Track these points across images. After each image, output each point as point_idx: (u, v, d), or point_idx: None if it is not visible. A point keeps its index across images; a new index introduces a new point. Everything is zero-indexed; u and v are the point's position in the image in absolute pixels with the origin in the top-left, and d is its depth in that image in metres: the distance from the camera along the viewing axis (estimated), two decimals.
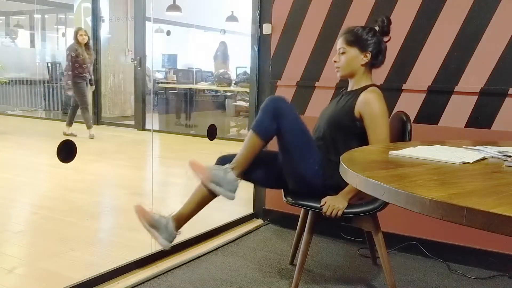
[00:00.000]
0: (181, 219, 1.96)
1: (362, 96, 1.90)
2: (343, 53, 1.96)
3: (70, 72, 5.94)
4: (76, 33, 6.01)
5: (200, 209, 1.99)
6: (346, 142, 1.92)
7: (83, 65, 6.01)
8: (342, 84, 2.37)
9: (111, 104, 7.96)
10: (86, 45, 6.06)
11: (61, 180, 3.98)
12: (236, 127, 7.15)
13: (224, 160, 2.01)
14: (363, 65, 1.96)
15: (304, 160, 1.91)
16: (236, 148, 2.08)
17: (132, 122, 7.51)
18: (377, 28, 1.97)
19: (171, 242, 1.94)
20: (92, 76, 6.25)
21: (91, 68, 6.19)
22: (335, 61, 2.00)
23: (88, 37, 6.12)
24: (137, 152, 5.71)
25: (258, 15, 2.84)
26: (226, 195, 1.88)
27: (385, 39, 1.99)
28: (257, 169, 2.00)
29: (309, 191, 1.94)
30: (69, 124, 6.14)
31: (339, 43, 1.98)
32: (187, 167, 1.92)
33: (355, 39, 1.94)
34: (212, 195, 1.96)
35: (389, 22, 1.97)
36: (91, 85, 6.25)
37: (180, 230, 1.97)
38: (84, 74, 6.06)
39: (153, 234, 1.95)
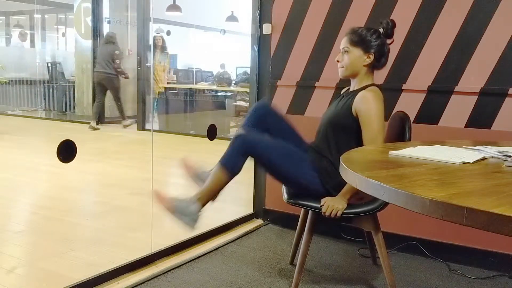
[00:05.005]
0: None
1: (359, 95, 1.90)
2: (346, 51, 1.97)
3: None
4: None
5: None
6: (347, 142, 1.92)
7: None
8: (342, 84, 2.37)
9: (111, 104, 7.96)
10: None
11: (61, 180, 3.98)
12: (236, 127, 7.15)
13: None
14: (365, 65, 1.96)
15: (296, 171, 1.94)
16: None
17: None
18: (381, 30, 1.97)
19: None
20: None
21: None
22: (338, 61, 2.00)
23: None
24: (137, 152, 5.70)
25: (258, 15, 2.84)
26: (187, 226, 1.88)
27: (388, 41, 1.99)
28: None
29: (311, 194, 1.95)
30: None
31: (343, 42, 1.98)
32: (152, 196, 1.92)
33: (359, 40, 1.94)
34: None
35: (394, 25, 1.98)
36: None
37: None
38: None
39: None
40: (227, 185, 1.94)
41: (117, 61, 7.02)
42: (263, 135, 1.99)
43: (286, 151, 1.97)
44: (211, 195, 1.93)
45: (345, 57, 1.97)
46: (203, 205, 1.91)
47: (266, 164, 1.99)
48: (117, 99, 7.24)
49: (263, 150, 1.93)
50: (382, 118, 1.88)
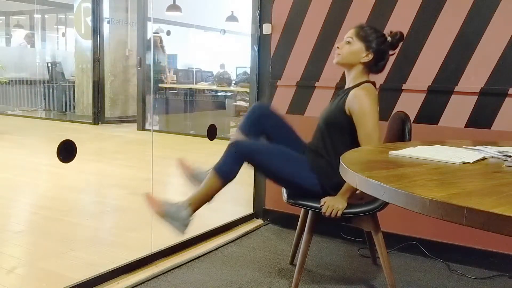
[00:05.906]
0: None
1: (352, 92, 1.90)
2: (348, 42, 1.96)
3: None
4: None
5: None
6: (343, 141, 1.92)
7: None
8: (342, 84, 2.37)
9: (112, 104, 7.96)
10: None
11: (61, 180, 3.98)
12: (236, 127, 7.13)
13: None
14: (362, 63, 1.96)
15: (295, 174, 1.94)
16: None
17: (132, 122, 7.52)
18: (388, 38, 1.97)
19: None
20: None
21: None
22: (338, 47, 2.00)
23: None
24: (137, 152, 5.70)
25: (258, 15, 2.84)
26: (177, 230, 1.88)
27: (390, 52, 2.00)
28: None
29: (311, 195, 1.95)
30: None
31: (349, 32, 1.98)
32: (144, 199, 1.95)
33: (365, 36, 1.94)
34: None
35: (401, 39, 1.98)
36: None
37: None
38: None
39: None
40: (221, 190, 1.93)
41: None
42: (259, 140, 2.00)
43: (283, 155, 1.97)
44: (204, 200, 1.92)
45: (346, 46, 1.97)
46: (195, 210, 1.90)
47: (264, 170, 2.01)
48: None
49: (259, 156, 1.94)
50: (375, 115, 1.87)
